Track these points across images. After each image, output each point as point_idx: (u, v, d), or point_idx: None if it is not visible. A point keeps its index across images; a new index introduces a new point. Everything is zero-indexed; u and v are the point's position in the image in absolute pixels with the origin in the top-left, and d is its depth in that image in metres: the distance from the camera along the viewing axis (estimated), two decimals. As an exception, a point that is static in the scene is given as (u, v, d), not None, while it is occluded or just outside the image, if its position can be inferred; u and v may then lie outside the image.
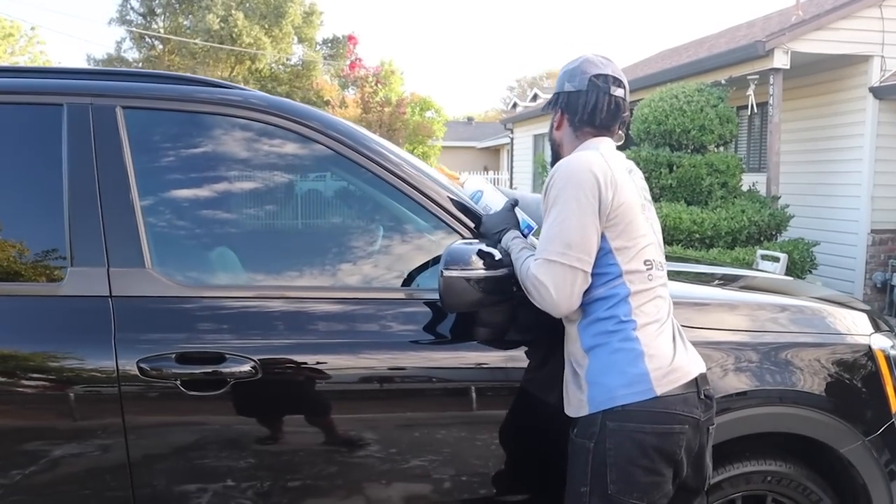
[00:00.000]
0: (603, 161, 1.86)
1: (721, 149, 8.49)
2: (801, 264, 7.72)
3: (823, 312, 2.48)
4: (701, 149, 8.27)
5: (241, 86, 2.25)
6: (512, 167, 20.06)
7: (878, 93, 8.18)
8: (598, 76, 1.96)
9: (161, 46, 34.56)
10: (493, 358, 2.09)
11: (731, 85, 8.77)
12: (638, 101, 9.11)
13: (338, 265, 2.20)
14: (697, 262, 3.71)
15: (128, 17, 34.80)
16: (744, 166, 8.65)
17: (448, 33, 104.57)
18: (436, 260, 2.12)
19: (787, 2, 12.33)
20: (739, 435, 2.20)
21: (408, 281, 2.20)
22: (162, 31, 34.66)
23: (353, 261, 2.22)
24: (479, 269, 1.90)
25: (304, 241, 2.29)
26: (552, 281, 1.81)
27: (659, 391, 1.81)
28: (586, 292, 1.88)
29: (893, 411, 2.38)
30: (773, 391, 2.24)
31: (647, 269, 1.90)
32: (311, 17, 34.58)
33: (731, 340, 2.26)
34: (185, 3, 33.17)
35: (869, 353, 2.38)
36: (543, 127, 16.57)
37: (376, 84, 18.25)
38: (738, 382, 2.21)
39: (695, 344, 2.06)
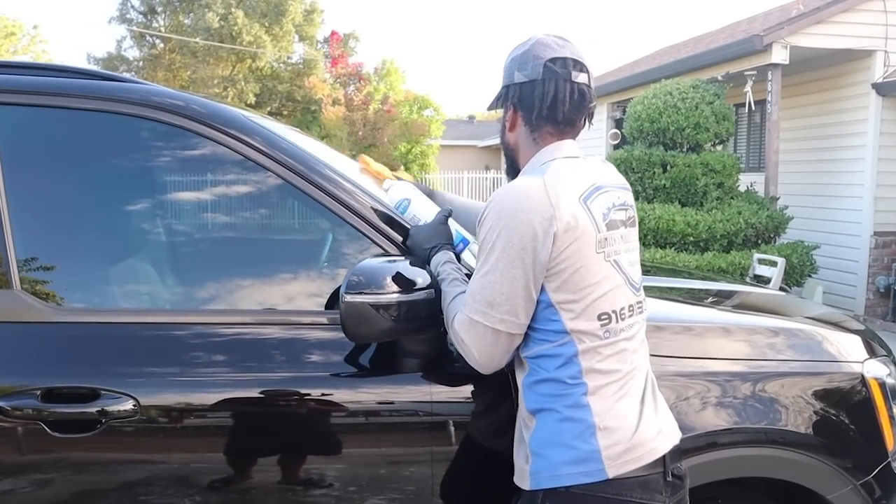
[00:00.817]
0: (546, 196, 1.49)
1: (717, 148, 8.15)
2: (800, 268, 7.39)
3: (817, 336, 2.17)
4: (696, 148, 7.93)
5: (136, 78, 1.96)
6: (511, 166, 19.70)
7: (882, 89, 7.84)
8: (554, 60, 1.59)
9: (162, 45, 34.31)
10: (423, 393, 1.78)
11: (728, 81, 8.42)
12: (632, 98, 8.80)
13: (245, 283, 1.89)
14: (690, 274, 3.38)
15: (128, 16, 34.54)
16: (741, 166, 8.30)
17: (451, 31, 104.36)
18: None
19: (789, -3, 12.02)
20: (711, 481, 1.88)
21: (332, 303, 1.89)
22: (162, 29, 34.39)
23: (266, 278, 1.90)
24: (389, 293, 1.59)
25: (207, 256, 1.98)
26: (472, 341, 1.54)
27: (612, 473, 1.48)
28: (529, 347, 1.58)
29: (889, 450, 2.06)
30: (758, 430, 1.93)
31: (604, 324, 1.54)
32: (312, 16, 34.27)
33: (726, 371, 1.97)
34: (186, 1, 32.90)
35: (862, 381, 2.06)
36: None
37: (360, 81, 17.94)
38: (717, 419, 1.91)
39: (689, 375, 1.89)
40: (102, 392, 1.64)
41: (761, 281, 6.73)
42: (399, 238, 1.86)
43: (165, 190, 1.94)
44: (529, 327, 1.55)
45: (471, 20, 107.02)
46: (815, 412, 2.01)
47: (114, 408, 1.63)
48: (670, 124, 7.79)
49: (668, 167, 7.81)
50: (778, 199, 7.97)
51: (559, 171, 1.55)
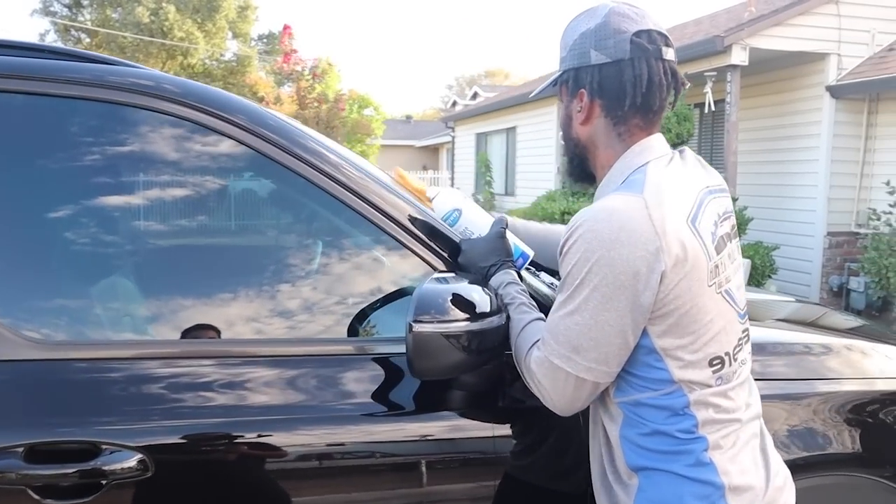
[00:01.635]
0: (650, 222, 1.19)
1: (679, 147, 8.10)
2: (762, 269, 7.39)
3: (877, 351, 1.99)
4: (657, 148, 7.85)
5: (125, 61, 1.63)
6: (453, 166, 19.52)
7: (835, 92, 7.90)
8: (640, 34, 1.30)
9: (88, 40, 32.87)
10: (474, 431, 1.52)
11: (690, 81, 8.38)
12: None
13: (263, 309, 1.56)
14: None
15: (52, 9, 33.11)
16: (700, 166, 8.28)
17: (386, 31, 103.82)
18: (396, 298, 1.60)
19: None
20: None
21: (357, 328, 1.61)
22: (89, 23, 33.00)
23: (284, 302, 1.58)
24: (459, 320, 1.34)
25: (218, 274, 1.62)
26: (552, 386, 1.28)
27: None
28: (624, 392, 1.31)
29: None
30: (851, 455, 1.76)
31: (716, 370, 1.27)
32: (246, 12, 33.50)
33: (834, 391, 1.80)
34: (114, -5, 31.67)
35: None
36: (487, 125, 16.15)
37: (313, 78, 17.44)
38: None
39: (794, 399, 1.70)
40: (103, 447, 1.30)
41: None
42: (447, 254, 1.59)
43: (137, 187, 1.58)
44: (624, 370, 1.29)
45: (406, 19, 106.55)
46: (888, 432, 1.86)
47: (117, 466, 1.29)
48: (632, 124, 7.68)
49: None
50: (737, 199, 7.96)
51: (660, 184, 1.25)
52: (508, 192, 15.01)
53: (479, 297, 1.38)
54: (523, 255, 1.64)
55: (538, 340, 1.31)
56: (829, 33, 7.97)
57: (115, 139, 1.49)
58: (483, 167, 15.78)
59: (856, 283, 7.73)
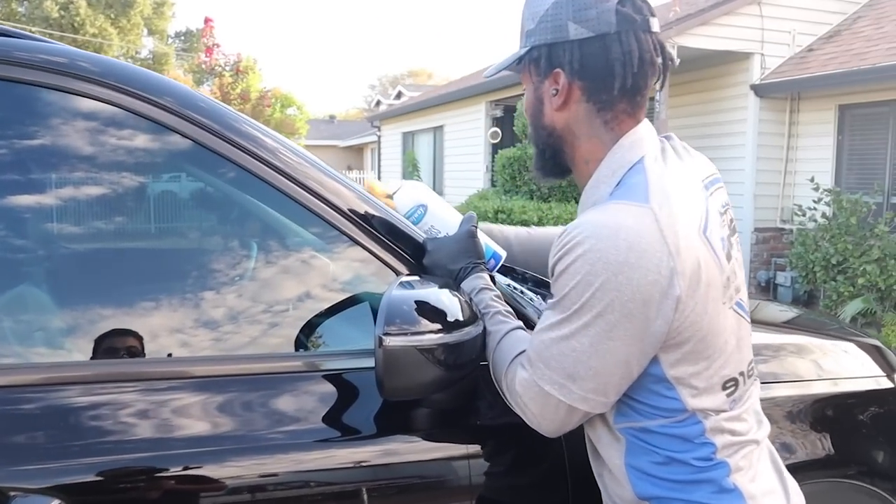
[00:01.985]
0: (663, 240, 1.00)
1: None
2: (694, 265, 7.34)
3: (855, 351, 1.89)
4: (589, 146, 7.75)
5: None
6: (379, 166, 19.16)
7: (759, 90, 8.02)
8: (624, 2, 1.09)
9: (-9, 35, 30.96)
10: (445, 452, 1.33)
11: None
12: (512, 96, 8.49)
13: (196, 321, 1.32)
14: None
15: (-49, 2, 30.99)
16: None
17: (307, 31, 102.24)
18: (351, 305, 1.41)
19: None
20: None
21: (306, 340, 1.39)
22: (-8, 17, 31.07)
23: (219, 313, 1.33)
24: (435, 332, 1.15)
25: (144, 281, 1.36)
26: (540, 411, 1.11)
27: None
28: (626, 417, 1.13)
29: None
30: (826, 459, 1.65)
31: (730, 393, 1.12)
32: (162, 9, 32.31)
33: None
34: (20, -12, 29.92)
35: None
36: (414, 124, 15.86)
37: (236, 74, 16.77)
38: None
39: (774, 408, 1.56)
40: (11, 493, 1.05)
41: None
42: (407, 253, 1.38)
43: (49, 181, 1.32)
44: (627, 396, 1.11)
45: (328, 18, 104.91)
46: (866, 434, 1.79)
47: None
48: (565, 122, 7.54)
49: (564, 166, 7.57)
50: (667, 197, 7.93)
51: (666, 189, 1.05)
52: (437, 191, 14.73)
53: (455, 305, 1.21)
54: (495, 257, 1.43)
55: (521, 356, 1.14)
56: (752, 33, 8.08)
57: (22, 125, 1.23)
58: (410, 166, 15.48)
59: (783, 278, 7.84)
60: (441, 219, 1.44)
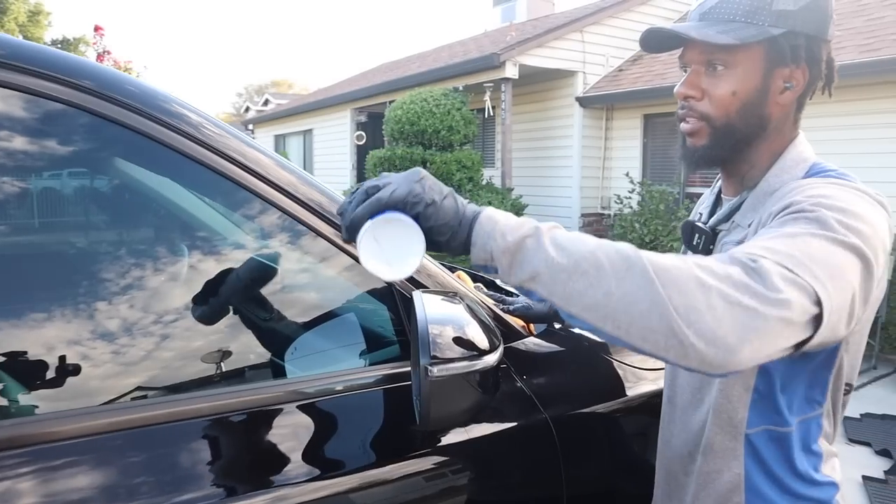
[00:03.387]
0: (887, 218, 0.88)
1: (465, 147, 8.50)
2: (537, 246, 7.98)
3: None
4: (449, 147, 8.17)
5: None
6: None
7: (583, 102, 8.69)
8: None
9: None
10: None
11: (469, 91, 8.81)
12: (390, 101, 8.80)
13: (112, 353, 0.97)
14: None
15: None
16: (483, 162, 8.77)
17: (174, 40, 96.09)
18: (330, 317, 1.16)
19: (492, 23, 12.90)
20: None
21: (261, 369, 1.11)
22: None
23: (146, 336, 0.99)
24: (480, 356, 0.97)
25: (53, 298, 0.96)
26: (795, 301, 0.72)
27: None
28: (784, 402, 0.95)
29: None
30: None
31: (846, 395, 0.99)
32: (38, 17, 29.18)
33: None
34: None
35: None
36: (286, 127, 15.67)
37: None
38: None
39: None
40: None
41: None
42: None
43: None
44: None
45: (190, 28, 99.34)
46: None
47: None
48: (428, 127, 7.91)
49: (428, 164, 7.92)
50: (512, 189, 8.54)
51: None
52: (307, 188, 14.69)
53: (485, 322, 1.04)
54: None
55: (744, 255, 0.75)
56: (576, 55, 8.73)
57: None
58: (282, 166, 15.28)
59: (605, 255, 8.61)
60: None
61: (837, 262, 0.77)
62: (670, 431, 1.12)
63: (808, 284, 0.73)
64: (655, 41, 1.00)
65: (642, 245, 7.40)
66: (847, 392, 0.97)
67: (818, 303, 0.73)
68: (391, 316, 1.17)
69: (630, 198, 7.89)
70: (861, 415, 4.28)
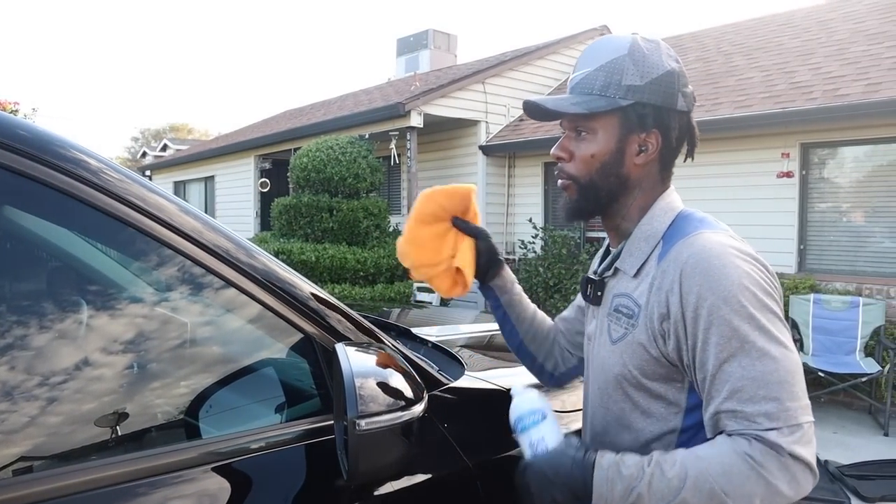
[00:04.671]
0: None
1: (371, 195, 8.49)
2: (445, 291, 8.02)
3: None
4: (355, 195, 8.14)
5: None
6: (147, 214, 17.84)
7: (486, 150, 8.93)
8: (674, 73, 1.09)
9: None
10: None
11: (375, 139, 8.86)
12: (295, 149, 8.69)
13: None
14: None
15: None
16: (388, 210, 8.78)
17: (64, 81, 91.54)
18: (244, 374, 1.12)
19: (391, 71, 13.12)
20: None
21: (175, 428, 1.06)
22: None
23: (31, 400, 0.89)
24: (407, 407, 0.99)
25: None
26: (812, 452, 0.92)
27: None
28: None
29: None
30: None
31: None
32: None
33: None
34: None
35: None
36: (186, 174, 15.18)
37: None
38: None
39: None
40: None
41: (421, 304, 7.14)
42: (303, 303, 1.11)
43: None
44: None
45: (81, 69, 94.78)
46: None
47: None
48: (334, 174, 7.86)
49: (335, 212, 7.85)
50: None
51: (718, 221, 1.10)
52: (208, 236, 14.17)
53: (407, 373, 1.03)
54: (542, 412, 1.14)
55: (744, 436, 0.91)
56: (479, 105, 9.01)
57: None
58: (181, 214, 14.70)
59: (511, 298, 8.75)
60: (550, 430, 1.09)
61: (784, 364, 0.92)
62: None
63: (803, 424, 0.91)
64: (531, 110, 1.12)
65: (546, 288, 7.59)
66: None
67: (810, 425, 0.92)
68: (311, 369, 1.12)
69: (534, 242, 8.11)
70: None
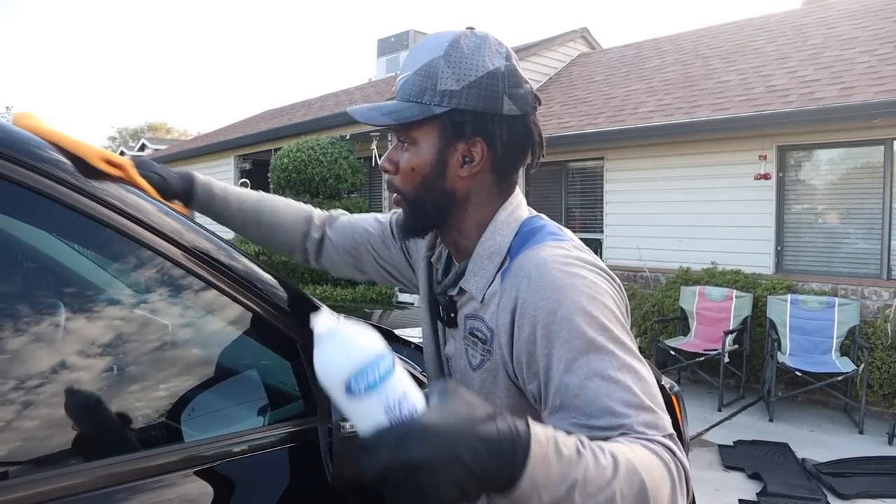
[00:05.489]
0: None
1: (353, 195, 8.48)
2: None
3: None
4: (336, 195, 8.14)
5: None
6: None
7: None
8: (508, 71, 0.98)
9: None
10: None
11: (356, 140, 8.85)
12: (275, 149, 8.65)
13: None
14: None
15: None
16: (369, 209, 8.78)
17: (37, 79, 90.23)
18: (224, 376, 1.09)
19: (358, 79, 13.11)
20: None
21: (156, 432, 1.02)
22: None
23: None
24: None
25: None
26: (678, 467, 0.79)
27: None
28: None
29: None
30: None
31: None
32: None
33: None
34: None
35: None
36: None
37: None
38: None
39: None
40: None
41: (402, 305, 7.14)
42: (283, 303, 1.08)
43: None
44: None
45: (57, 66, 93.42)
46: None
47: None
48: (316, 175, 7.85)
49: (316, 212, 7.86)
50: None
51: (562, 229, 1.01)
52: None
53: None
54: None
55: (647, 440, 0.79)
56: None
57: None
58: (159, 215, 14.58)
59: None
60: (409, 383, 0.69)
61: (642, 374, 0.83)
62: None
63: (672, 433, 0.81)
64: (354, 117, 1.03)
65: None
66: None
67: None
68: (294, 371, 1.11)
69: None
70: (734, 442, 4.55)
